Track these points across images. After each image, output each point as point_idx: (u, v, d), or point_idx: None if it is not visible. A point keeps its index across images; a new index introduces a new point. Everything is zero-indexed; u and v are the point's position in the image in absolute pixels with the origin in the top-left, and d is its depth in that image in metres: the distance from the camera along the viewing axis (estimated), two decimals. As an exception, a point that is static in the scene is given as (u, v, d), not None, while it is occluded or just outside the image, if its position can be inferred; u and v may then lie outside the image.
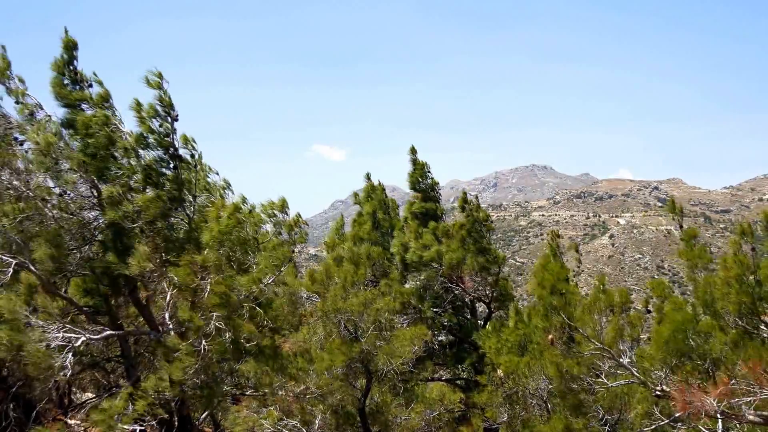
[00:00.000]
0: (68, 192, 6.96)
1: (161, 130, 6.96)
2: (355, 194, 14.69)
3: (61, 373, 6.28)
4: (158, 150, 7.04)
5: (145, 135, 6.94)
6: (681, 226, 6.81)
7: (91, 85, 7.01)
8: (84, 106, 6.94)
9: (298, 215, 8.18)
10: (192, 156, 7.22)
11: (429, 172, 13.95)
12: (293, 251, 8.34)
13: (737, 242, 6.06)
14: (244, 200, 7.67)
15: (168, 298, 7.75)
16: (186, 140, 7.14)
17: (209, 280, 6.77)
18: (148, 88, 6.89)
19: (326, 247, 14.26)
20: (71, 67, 6.95)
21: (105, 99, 7.00)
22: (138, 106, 6.86)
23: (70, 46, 6.90)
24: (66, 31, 6.88)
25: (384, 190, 14.65)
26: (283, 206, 7.99)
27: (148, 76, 6.84)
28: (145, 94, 7.53)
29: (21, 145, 7.00)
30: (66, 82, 6.94)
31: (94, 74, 7.00)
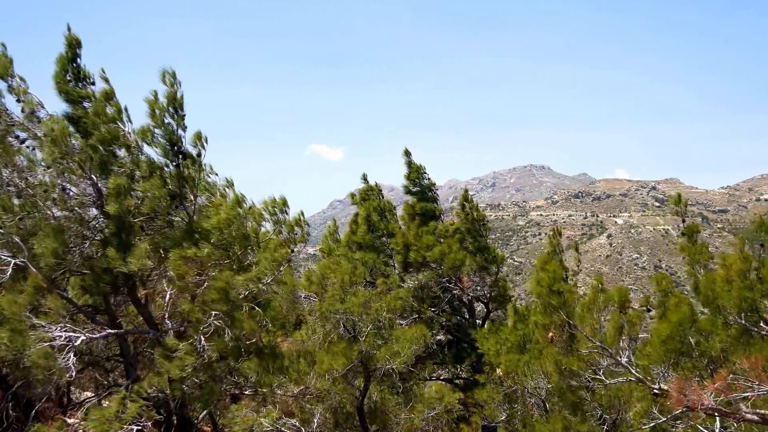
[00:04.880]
0: (69, 188, 6.94)
1: (169, 127, 6.95)
2: (352, 195, 14.59)
3: (66, 375, 6.25)
4: (164, 146, 7.02)
5: (152, 129, 6.93)
6: (684, 221, 6.79)
7: (93, 83, 7.00)
8: (86, 104, 6.92)
9: (301, 213, 8.14)
10: (198, 155, 7.20)
11: (425, 173, 13.93)
12: (292, 251, 8.32)
13: (743, 239, 6.05)
14: (243, 197, 7.67)
15: (167, 297, 7.75)
16: (198, 138, 7.11)
17: (207, 276, 6.76)
18: (162, 84, 6.91)
19: (321, 253, 14.27)
20: (74, 65, 6.91)
21: (110, 96, 6.99)
22: (155, 98, 6.85)
23: (74, 44, 6.86)
24: (69, 28, 6.84)
25: (381, 191, 14.58)
26: (284, 205, 7.97)
27: (163, 72, 6.86)
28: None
29: (22, 142, 6.99)
30: (69, 78, 6.91)
31: (102, 70, 6.98)
